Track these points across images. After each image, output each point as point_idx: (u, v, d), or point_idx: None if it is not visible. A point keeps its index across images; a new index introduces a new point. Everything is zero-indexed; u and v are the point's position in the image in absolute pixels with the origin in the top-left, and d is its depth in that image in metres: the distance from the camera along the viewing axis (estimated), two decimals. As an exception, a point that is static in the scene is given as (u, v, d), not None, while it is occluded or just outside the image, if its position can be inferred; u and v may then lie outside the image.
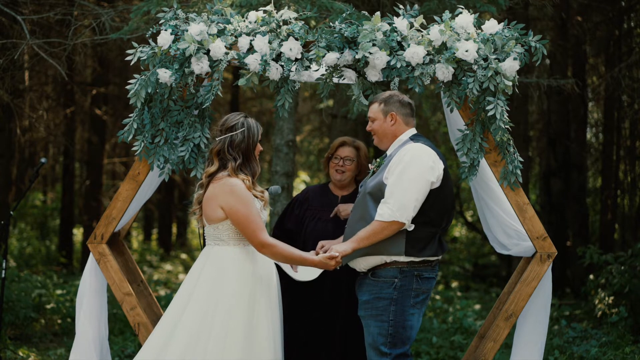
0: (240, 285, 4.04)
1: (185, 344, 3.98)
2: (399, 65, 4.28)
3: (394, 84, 4.34)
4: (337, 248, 4.09)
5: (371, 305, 4.12)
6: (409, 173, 4.02)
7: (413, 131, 4.28)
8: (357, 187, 4.98)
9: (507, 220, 4.70)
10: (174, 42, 4.42)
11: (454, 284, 12.84)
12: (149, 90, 4.40)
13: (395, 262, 4.10)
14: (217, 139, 4.14)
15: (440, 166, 4.11)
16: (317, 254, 4.29)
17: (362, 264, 4.19)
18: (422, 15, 4.38)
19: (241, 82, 4.38)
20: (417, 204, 4.02)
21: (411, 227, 4.05)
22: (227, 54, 4.40)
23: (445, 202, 4.16)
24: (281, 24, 4.47)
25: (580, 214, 11.44)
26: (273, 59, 4.38)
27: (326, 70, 4.41)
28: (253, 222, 4.01)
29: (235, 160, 4.09)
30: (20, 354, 6.64)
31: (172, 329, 4.03)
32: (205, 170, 4.16)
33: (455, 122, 4.62)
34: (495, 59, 4.26)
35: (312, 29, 4.56)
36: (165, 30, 4.44)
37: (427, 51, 4.30)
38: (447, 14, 4.36)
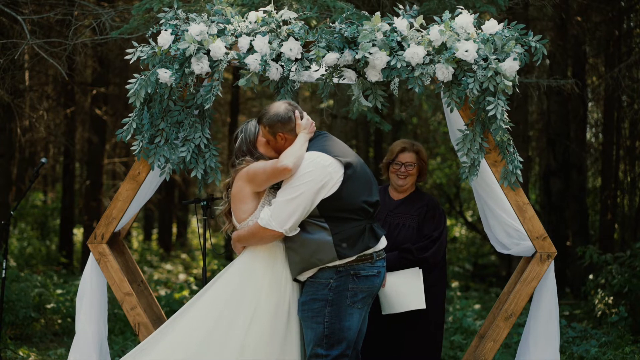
0: (268, 284, 4.09)
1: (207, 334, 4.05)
2: (399, 66, 4.29)
3: (394, 84, 4.34)
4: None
5: (308, 306, 4.07)
6: None
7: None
8: (416, 189, 4.97)
9: (507, 220, 4.70)
10: (174, 42, 4.42)
11: (454, 284, 12.84)
12: (149, 90, 4.40)
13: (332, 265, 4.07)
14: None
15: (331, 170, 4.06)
16: None
17: (303, 276, 4.14)
18: (422, 16, 4.39)
19: (241, 82, 4.38)
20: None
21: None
22: (227, 54, 4.40)
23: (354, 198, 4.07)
24: (281, 24, 4.48)
25: (580, 214, 11.44)
26: (273, 59, 4.38)
27: (326, 70, 4.41)
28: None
29: (244, 157, 4.21)
30: (21, 353, 6.64)
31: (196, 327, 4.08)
32: (222, 183, 4.34)
33: (456, 122, 4.63)
34: (495, 59, 4.27)
35: (312, 29, 4.56)
36: (166, 30, 4.45)
37: (427, 51, 4.30)
38: (447, 14, 4.37)
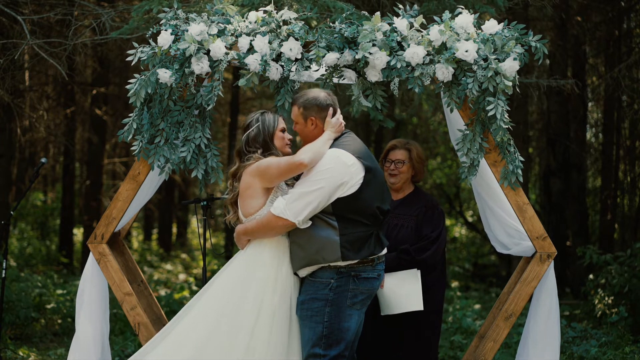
0: (272, 281, 4.09)
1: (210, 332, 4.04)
2: (399, 66, 4.29)
3: (394, 84, 4.34)
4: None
5: (307, 305, 4.08)
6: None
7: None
8: (415, 189, 4.96)
9: (507, 220, 4.70)
10: (174, 42, 4.43)
11: (454, 284, 12.84)
12: (149, 90, 4.40)
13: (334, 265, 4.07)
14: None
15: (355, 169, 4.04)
16: None
17: (303, 271, 4.15)
18: (421, 16, 4.39)
19: (241, 82, 4.38)
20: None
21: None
22: (227, 54, 4.40)
23: (368, 202, 4.08)
24: (281, 24, 4.48)
25: (580, 214, 11.44)
26: (273, 59, 4.39)
27: (326, 70, 4.41)
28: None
29: (256, 151, 4.18)
30: (21, 353, 6.65)
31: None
32: (228, 171, 4.28)
33: (456, 122, 4.63)
34: (495, 59, 4.27)
35: (312, 29, 4.56)
36: (166, 30, 4.45)
37: (427, 51, 4.31)
38: (447, 14, 4.37)
